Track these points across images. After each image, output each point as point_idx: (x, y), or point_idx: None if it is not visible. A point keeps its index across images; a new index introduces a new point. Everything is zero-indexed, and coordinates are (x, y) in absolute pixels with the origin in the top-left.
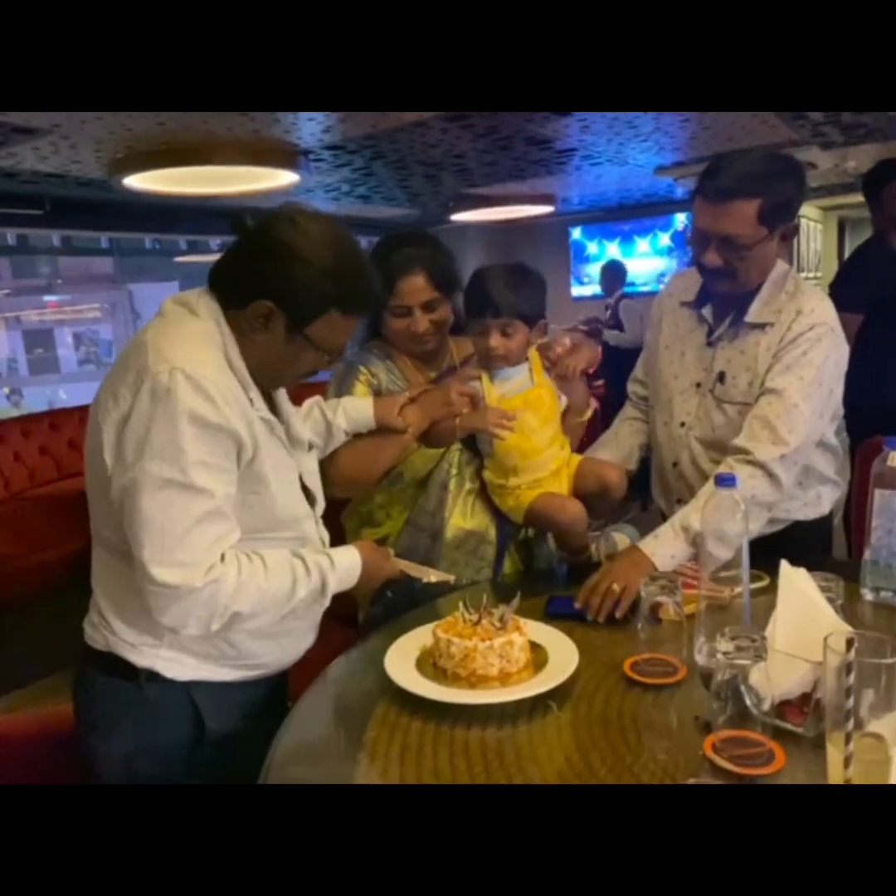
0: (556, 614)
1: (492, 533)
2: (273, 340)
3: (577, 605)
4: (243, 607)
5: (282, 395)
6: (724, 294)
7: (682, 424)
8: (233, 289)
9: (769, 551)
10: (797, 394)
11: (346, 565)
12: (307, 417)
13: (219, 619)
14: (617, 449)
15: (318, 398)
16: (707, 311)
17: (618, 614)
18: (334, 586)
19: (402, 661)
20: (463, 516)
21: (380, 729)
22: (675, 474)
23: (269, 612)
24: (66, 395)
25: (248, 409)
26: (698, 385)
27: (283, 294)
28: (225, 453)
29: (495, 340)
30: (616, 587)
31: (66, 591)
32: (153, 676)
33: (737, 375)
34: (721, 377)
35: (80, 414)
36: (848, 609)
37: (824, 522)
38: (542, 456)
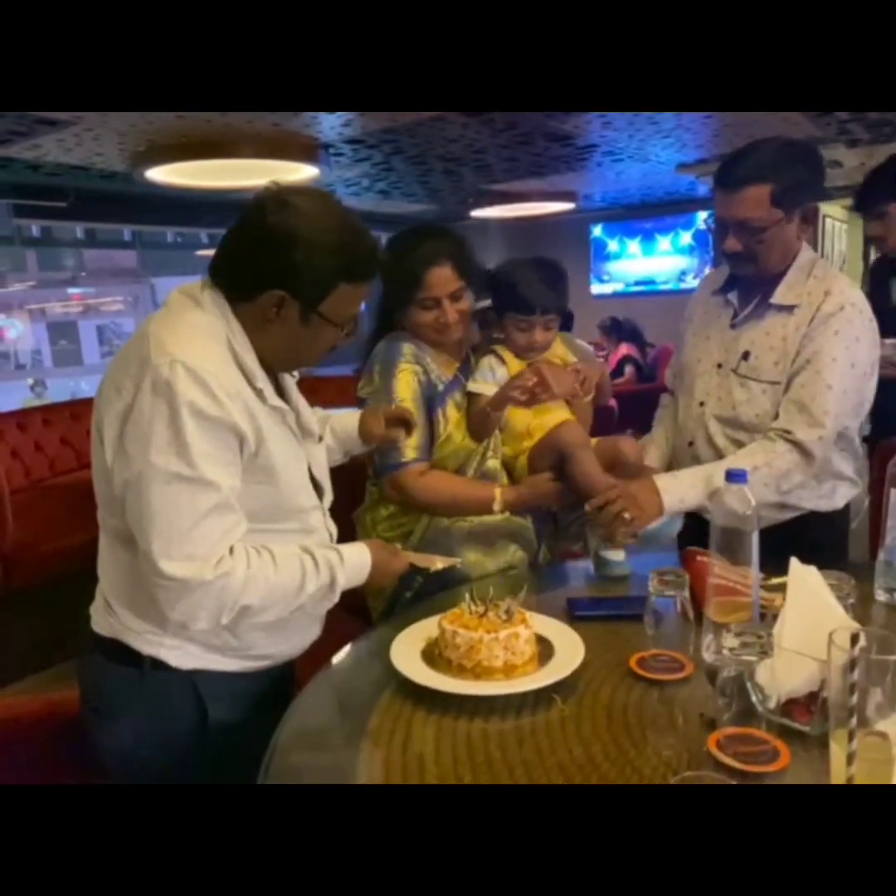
0: (583, 616)
1: (530, 518)
2: (289, 326)
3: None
4: (253, 600)
5: (291, 384)
6: (750, 277)
7: (701, 404)
8: (237, 282)
9: (782, 547)
10: (831, 375)
11: (355, 563)
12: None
13: (228, 613)
14: (657, 448)
15: (318, 411)
16: (733, 296)
17: (631, 540)
18: (343, 583)
19: (407, 651)
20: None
21: (383, 718)
22: (689, 454)
23: (279, 605)
24: (88, 387)
25: (252, 401)
26: (719, 366)
27: (291, 280)
28: (227, 446)
29: (540, 335)
30: (627, 516)
31: (84, 579)
32: (157, 664)
33: (761, 355)
34: (745, 356)
35: None
36: (860, 609)
37: (838, 518)
38: (552, 412)
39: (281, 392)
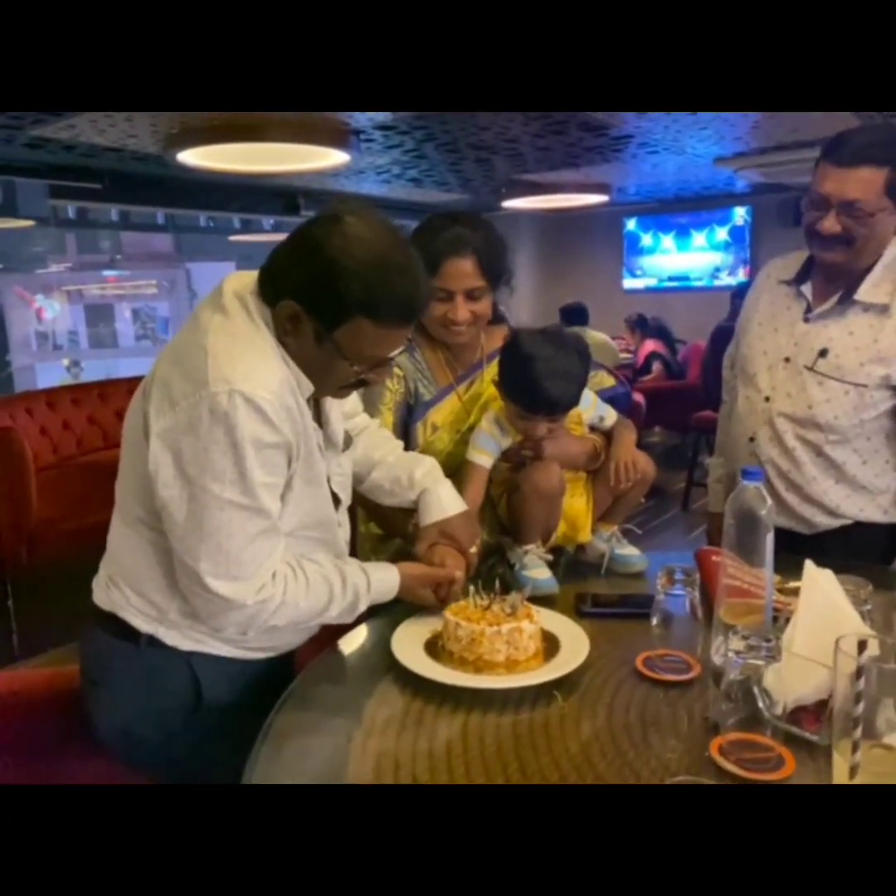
0: (592, 613)
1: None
2: (304, 346)
3: None
4: (280, 621)
5: (328, 399)
6: (828, 270)
7: (767, 399)
8: (268, 287)
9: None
10: None
11: (383, 590)
12: (397, 468)
13: (256, 631)
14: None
15: (427, 459)
16: (806, 288)
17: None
18: (364, 607)
19: (409, 641)
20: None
21: (380, 706)
22: (748, 449)
23: (301, 623)
24: (123, 369)
25: (299, 417)
26: (787, 360)
27: (306, 295)
28: (280, 468)
29: (542, 431)
30: None
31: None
32: (154, 641)
33: (843, 354)
34: (823, 353)
35: (128, 385)
36: (879, 616)
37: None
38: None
39: (316, 407)
